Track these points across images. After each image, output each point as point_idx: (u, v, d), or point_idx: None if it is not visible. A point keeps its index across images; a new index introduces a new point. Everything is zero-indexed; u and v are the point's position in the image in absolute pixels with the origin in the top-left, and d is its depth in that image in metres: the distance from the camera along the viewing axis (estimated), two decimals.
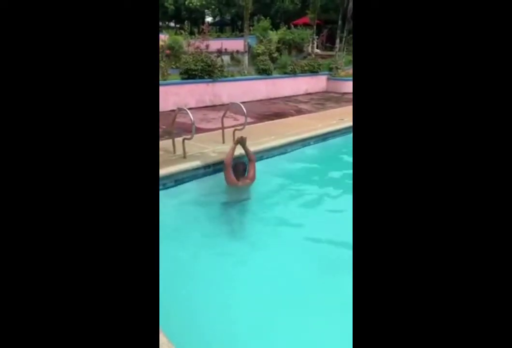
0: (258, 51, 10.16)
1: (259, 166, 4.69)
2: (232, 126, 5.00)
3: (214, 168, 4.24)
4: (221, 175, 4.31)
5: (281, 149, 5.06)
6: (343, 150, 5.60)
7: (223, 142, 4.81)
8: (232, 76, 8.49)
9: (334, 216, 3.54)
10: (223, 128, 4.85)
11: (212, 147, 4.65)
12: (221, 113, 4.87)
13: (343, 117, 6.77)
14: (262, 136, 5.21)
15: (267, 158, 4.86)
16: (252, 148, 4.74)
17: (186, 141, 4.13)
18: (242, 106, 4.51)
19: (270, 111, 7.68)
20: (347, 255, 2.42)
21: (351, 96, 10.00)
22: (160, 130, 5.39)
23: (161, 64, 7.37)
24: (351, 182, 4.37)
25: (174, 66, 8.44)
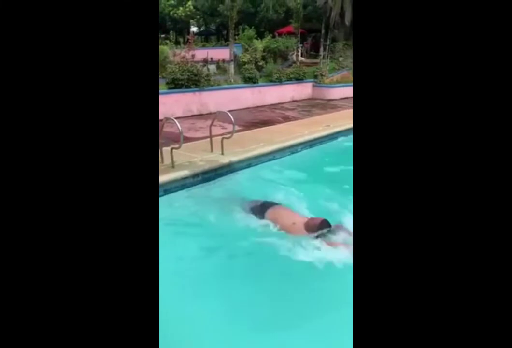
0: (244, 59, 10.26)
1: (248, 173, 4.72)
2: (220, 134, 5.02)
3: (203, 177, 4.23)
4: (209, 183, 4.32)
5: (270, 156, 5.10)
6: (331, 155, 5.68)
7: (212, 150, 4.82)
8: (218, 85, 8.54)
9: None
10: (211, 136, 4.86)
11: (200, 156, 4.65)
12: (209, 122, 4.89)
13: (329, 123, 6.88)
14: (251, 144, 5.24)
15: (256, 165, 4.88)
16: (241, 155, 4.76)
17: (174, 150, 4.12)
18: (230, 115, 4.54)
19: (258, 118, 7.74)
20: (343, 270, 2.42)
21: (336, 103, 10.18)
22: None
23: None
24: (340, 185, 4.33)
25: (160, 76, 8.45)
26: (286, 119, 7.75)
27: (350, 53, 14.28)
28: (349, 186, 4.18)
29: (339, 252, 2.58)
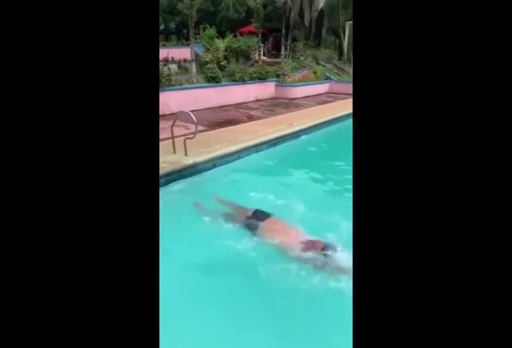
0: (205, 59, 10.13)
1: (213, 173, 4.66)
2: (183, 135, 4.92)
3: (166, 179, 4.13)
4: (172, 184, 4.22)
5: (235, 156, 5.09)
6: (295, 153, 5.78)
7: (174, 151, 4.71)
8: (180, 84, 8.38)
9: (299, 218, 3.52)
10: (173, 137, 4.75)
11: (162, 157, 4.53)
12: (171, 123, 4.77)
13: (292, 121, 6.98)
14: (215, 144, 5.19)
15: (220, 165, 4.85)
16: (206, 156, 4.70)
17: None
18: (191, 114, 4.46)
19: (222, 118, 7.69)
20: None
21: (299, 101, 10.38)
22: None
23: None
24: (306, 183, 4.24)
25: None
26: (250, 118, 7.77)
27: (310, 52, 14.59)
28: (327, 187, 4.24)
29: (335, 279, 2.45)
